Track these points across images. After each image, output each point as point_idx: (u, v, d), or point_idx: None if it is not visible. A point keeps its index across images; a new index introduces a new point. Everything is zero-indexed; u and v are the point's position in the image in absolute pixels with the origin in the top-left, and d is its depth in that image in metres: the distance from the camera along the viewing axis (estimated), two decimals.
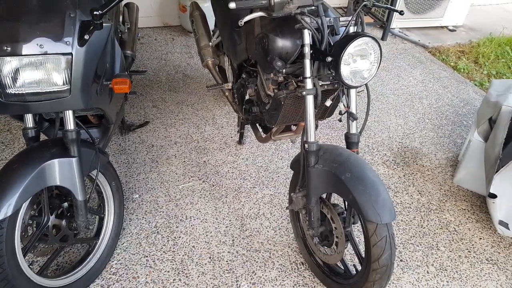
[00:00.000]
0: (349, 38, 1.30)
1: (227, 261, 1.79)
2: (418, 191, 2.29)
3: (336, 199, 1.97)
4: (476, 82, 3.44)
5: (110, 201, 1.69)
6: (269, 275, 1.75)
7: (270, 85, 1.63)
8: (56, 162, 1.33)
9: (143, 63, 3.27)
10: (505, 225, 1.83)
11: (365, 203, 1.33)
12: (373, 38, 1.31)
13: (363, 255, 1.52)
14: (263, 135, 2.07)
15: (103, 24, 1.18)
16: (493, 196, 1.82)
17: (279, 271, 1.77)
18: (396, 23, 4.08)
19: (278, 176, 2.28)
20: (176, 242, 1.86)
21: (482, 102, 2.30)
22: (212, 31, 2.51)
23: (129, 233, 1.87)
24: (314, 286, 1.72)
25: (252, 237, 1.92)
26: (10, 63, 1.12)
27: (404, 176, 2.38)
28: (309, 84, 1.41)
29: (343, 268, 1.64)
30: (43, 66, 1.16)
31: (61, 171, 1.34)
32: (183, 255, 1.80)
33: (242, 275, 1.74)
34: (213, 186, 2.18)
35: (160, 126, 2.59)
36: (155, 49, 3.49)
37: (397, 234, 2.00)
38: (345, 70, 1.32)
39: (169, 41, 3.64)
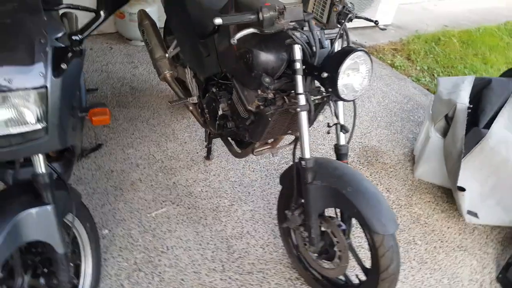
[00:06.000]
0: (344, 53, 1.28)
1: None
2: (386, 188, 2.38)
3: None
4: (413, 78, 3.69)
5: (86, 246, 1.48)
6: None
7: (256, 101, 1.56)
8: (29, 213, 1.12)
9: None
10: (474, 214, 1.98)
11: (370, 216, 1.33)
12: (366, 51, 1.31)
13: (365, 266, 1.53)
14: (239, 150, 1.99)
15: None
16: (462, 189, 1.95)
17: None
18: None
19: (254, 190, 2.21)
20: (162, 278, 1.70)
21: (434, 100, 2.46)
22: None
23: (107, 275, 1.67)
24: None
25: (242, 259, 1.83)
26: None
27: (371, 175, 2.46)
28: (302, 100, 1.37)
29: (344, 279, 1.64)
30: (14, 104, 0.95)
31: (36, 223, 1.14)
32: None
33: None
34: (189, 208, 2.05)
35: (116, 148, 2.36)
36: (93, 60, 3.18)
37: None
38: (341, 84, 1.30)
39: (107, 51, 3.35)
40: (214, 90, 1.88)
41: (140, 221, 1.94)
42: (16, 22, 1.01)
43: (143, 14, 2.35)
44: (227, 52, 1.62)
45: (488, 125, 2.13)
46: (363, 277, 1.56)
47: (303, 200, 1.53)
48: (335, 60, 1.29)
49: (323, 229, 1.54)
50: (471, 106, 2.15)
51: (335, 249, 1.52)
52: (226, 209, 2.07)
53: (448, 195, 2.35)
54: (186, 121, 2.67)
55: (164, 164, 2.30)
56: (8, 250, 1.07)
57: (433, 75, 3.95)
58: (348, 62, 1.26)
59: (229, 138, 2.06)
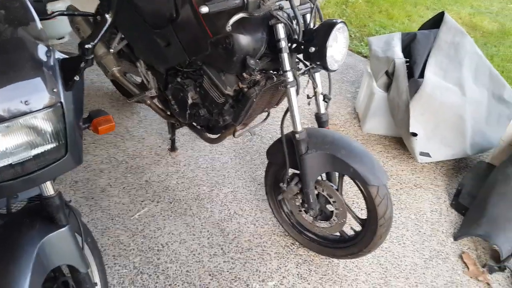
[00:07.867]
0: (329, 26, 1.36)
1: (228, 271, 1.73)
2: None
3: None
4: None
5: (91, 261, 1.40)
6: (272, 267, 1.77)
7: (238, 84, 1.57)
8: (49, 239, 1.04)
9: None
10: (427, 154, 2.27)
11: (365, 172, 1.47)
12: (345, 23, 1.41)
13: (360, 217, 1.69)
14: (214, 136, 1.98)
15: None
16: (415, 134, 2.22)
17: (278, 259, 1.81)
18: None
19: (228, 172, 2.24)
20: (168, 275, 1.69)
21: (370, 59, 2.69)
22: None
23: (111, 286, 1.61)
24: (313, 259, 1.83)
25: (238, 238, 1.88)
26: None
27: None
28: (290, 76, 1.44)
29: (338, 234, 1.79)
30: (33, 126, 0.86)
31: (58, 248, 1.06)
32: (182, 284, 1.66)
33: (249, 277, 1.72)
34: (171, 203, 2.01)
35: None
36: None
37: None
38: (329, 56, 1.39)
39: None
40: (179, 79, 1.83)
41: (125, 225, 1.86)
42: (14, 36, 0.89)
43: (75, 10, 2.14)
44: (196, 40, 1.58)
45: (422, 75, 2.41)
46: (357, 228, 1.73)
47: (295, 171, 1.63)
48: (321, 34, 1.36)
49: (316, 192, 1.65)
50: (408, 60, 2.41)
51: (332, 208, 1.65)
52: (207, 196, 2.08)
53: (395, 142, 2.64)
54: (137, 116, 2.55)
55: (129, 164, 2.20)
56: (38, 285, 0.98)
57: (351, 35, 4.26)
58: (333, 34, 1.34)
59: (198, 126, 2.04)
